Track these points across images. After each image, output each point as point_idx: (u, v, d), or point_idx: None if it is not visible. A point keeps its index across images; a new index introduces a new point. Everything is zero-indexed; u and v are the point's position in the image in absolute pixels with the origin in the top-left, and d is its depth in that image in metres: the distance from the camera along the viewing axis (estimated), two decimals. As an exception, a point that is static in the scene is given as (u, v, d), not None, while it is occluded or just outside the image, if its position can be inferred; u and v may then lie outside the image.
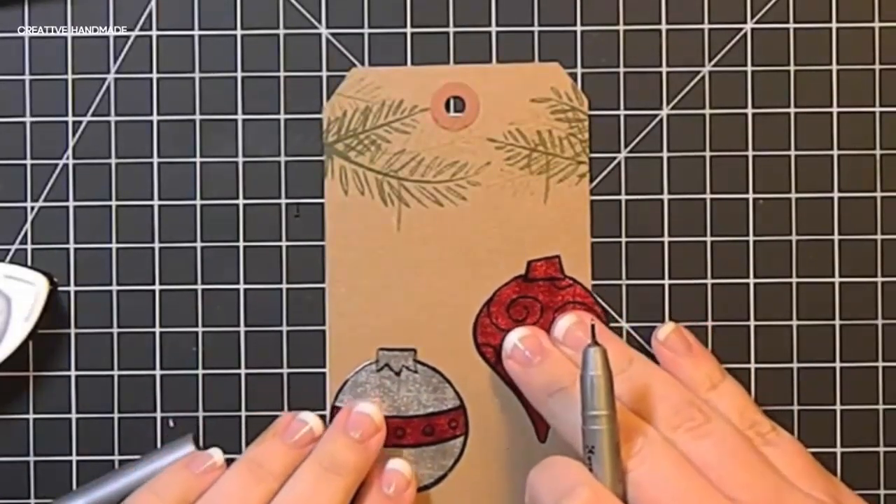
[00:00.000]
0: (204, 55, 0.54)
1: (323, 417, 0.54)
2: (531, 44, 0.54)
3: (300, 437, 0.52)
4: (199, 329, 0.55)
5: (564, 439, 0.49)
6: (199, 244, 0.55)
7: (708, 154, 0.55)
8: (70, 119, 0.54)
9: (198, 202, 0.54)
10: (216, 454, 0.52)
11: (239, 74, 0.54)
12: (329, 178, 0.54)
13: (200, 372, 0.55)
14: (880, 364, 0.55)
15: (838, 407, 0.55)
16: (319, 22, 0.55)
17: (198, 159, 0.54)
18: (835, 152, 0.55)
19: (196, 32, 0.54)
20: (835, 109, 0.55)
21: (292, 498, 0.49)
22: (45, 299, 0.52)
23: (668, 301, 0.54)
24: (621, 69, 0.55)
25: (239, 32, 0.54)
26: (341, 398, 0.54)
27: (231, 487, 0.50)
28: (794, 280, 0.55)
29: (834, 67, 0.55)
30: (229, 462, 0.52)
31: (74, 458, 0.54)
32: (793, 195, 0.55)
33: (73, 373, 0.54)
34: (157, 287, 0.54)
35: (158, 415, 0.54)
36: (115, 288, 0.54)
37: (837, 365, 0.55)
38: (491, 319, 0.54)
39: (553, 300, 0.54)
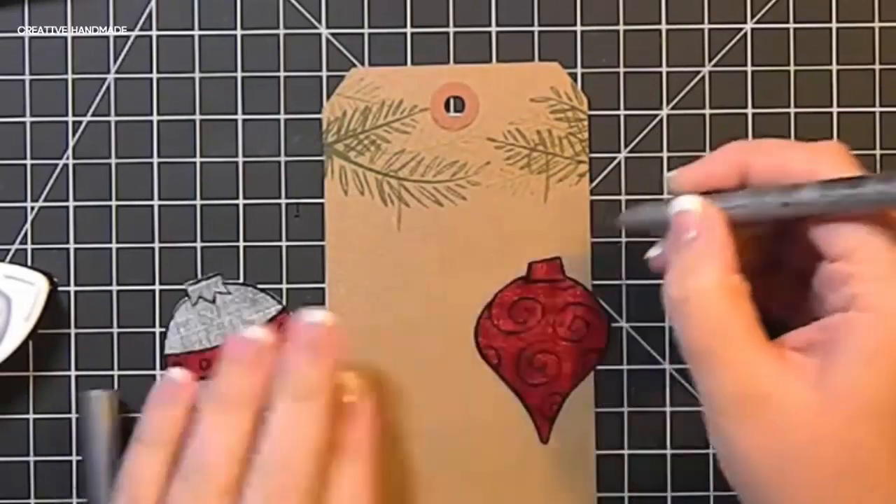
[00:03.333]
0: (204, 55, 0.54)
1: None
2: (531, 44, 0.55)
3: (252, 354, 0.48)
4: (199, 329, 0.55)
5: None
6: (199, 244, 0.55)
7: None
8: (70, 119, 0.54)
9: (198, 202, 0.54)
10: (174, 373, 0.49)
11: (239, 74, 0.54)
12: (329, 178, 0.54)
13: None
14: (880, 364, 0.55)
15: (838, 407, 0.55)
16: (319, 22, 0.55)
17: (198, 159, 0.55)
18: (835, 152, 0.55)
19: (196, 32, 0.54)
20: (835, 109, 0.55)
21: (275, 441, 0.47)
22: (45, 299, 0.52)
23: (668, 301, 0.54)
24: (621, 69, 0.55)
25: (239, 32, 0.54)
26: (169, 342, 0.54)
27: (212, 439, 0.47)
28: (795, 280, 0.55)
29: (834, 67, 0.55)
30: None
31: (74, 458, 0.54)
32: (793, 195, 0.55)
33: (73, 373, 0.54)
34: (156, 287, 0.54)
35: (158, 415, 0.54)
36: (115, 288, 0.54)
37: (837, 365, 0.55)
38: (492, 322, 0.54)
39: (554, 301, 0.54)
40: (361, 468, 0.48)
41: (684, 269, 0.45)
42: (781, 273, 0.47)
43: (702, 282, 0.44)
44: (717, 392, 0.44)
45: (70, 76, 0.54)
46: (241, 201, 0.55)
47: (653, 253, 0.48)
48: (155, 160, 0.54)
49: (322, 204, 0.54)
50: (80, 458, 0.54)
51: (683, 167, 0.47)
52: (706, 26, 0.55)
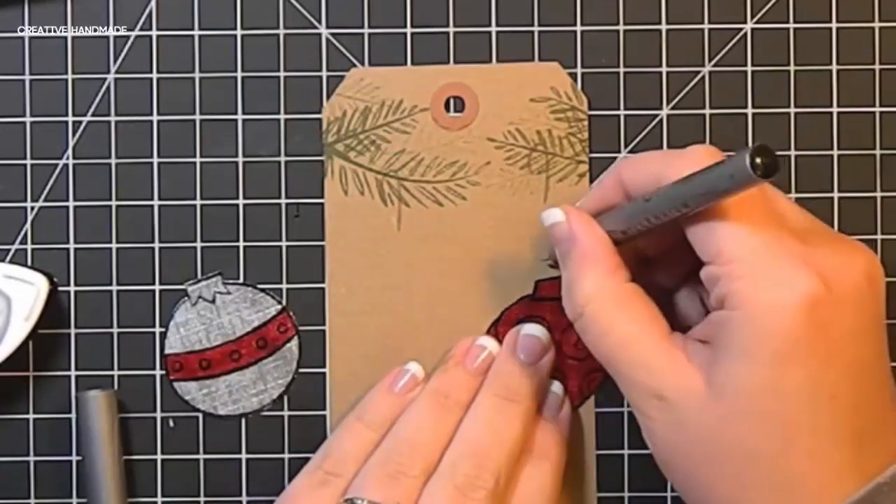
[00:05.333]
0: (204, 55, 0.54)
1: (323, 418, 0.54)
2: (531, 44, 0.55)
3: (481, 363, 0.52)
4: (199, 329, 0.55)
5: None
6: (199, 244, 0.55)
7: (708, 154, 0.54)
8: (70, 119, 0.54)
9: (198, 202, 0.54)
10: (413, 367, 0.53)
11: (239, 74, 0.54)
12: (329, 178, 0.54)
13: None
14: (880, 364, 0.55)
15: (838, 407, 0.55)
16: (319, 22, 0.55)
17: (198, 159, 0.55)
18: (835, 152, 0.55)
19: (196, 32, 0.54)
20: (835, 109, 0.55)
21: (473, 432, 0.50)
22: (45, 299, 0.52)
23: (668, 301, 0.54)
24: (621, 69, 0.55)
25: (239, 32, 0.54)
26: (169, 342, 0.54)
27: (422, 421, 0.50)
28: (795, 280, 0.55)
29: (834, 67, 0.55)
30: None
31: (74, 458, 0.54)
32: (793, 195, 0.54)
33: (73, 373, 0.54)
34: (156, 287, 0.54)
35: (158, 415, 0.54)
36: (115, 288, 0.54)
37: (838, 365, 0.55)
38: (499, 339, 0.53)
39: (560, 320, 0.53)
40: (548, 471, 0.51)
41: (569, 283, 0.47)
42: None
43: (586, 293, 0.46)
44: (626, 394, 0.46)
45: (70, 76, 0.54)
46: (241, 201, 0.55)
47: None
48: (155, 160, 0.54)
49: (322, 204, 0.54)
50: (80, 458, 0.54)
51: (583, 198, 0.50)
52: (706, 26, 0.55)
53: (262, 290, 0.54)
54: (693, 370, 0.44)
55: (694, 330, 0.46)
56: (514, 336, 0.53)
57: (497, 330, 0.54)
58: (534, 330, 0.53)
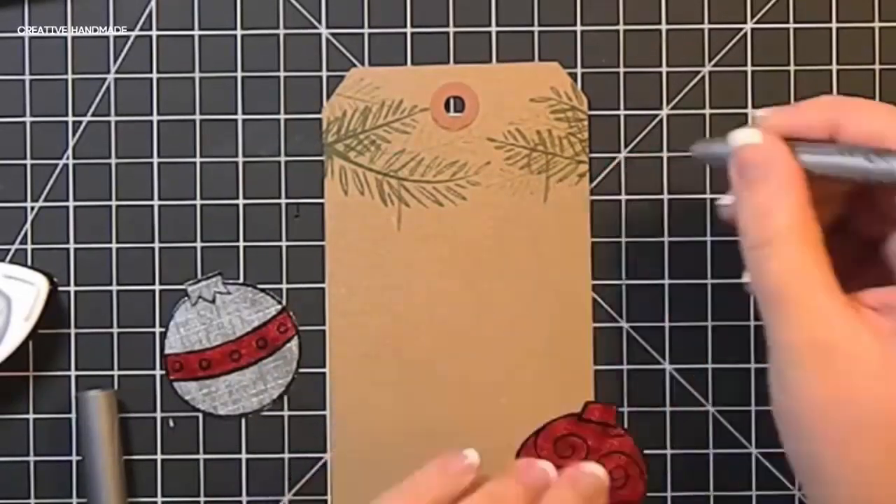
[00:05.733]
0: (204, 55, 0.54)
1: (323, 418, 0.54)
2: (531, 44, 0.55)
3: (536, 481, 0.48)
4: (199, 329, 0.55)
5: None
6: (199, 244, 0.55)
7: (708, 154, 0.54)
8: (70, 119, 0.54)
9: (198, 202, 0.55)
10: (471, 455, 0.49)
11: (239, 74, 0.54)
12: (329, 178, 0.54)
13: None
14: (880, 364, 0.55)
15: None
16: (319, 22, 0.55)
17: (198, 159, 0.55)
18: (835, 152, 0.55)
19: (196, 32, 0.54)
20: (835, 109, 0.55)
21: None
22: (45, 299, 0.52)
23: (667, 301, 0.54)
24: (621, 69, 0.55)
25: (239, 32, 0.54)
26: (169, 342, 0.54)
27: None
28: (795, 280, 0.55)
29: (834, 67, 0.55)
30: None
31: (74, 458, 0.54)
32: (793, 195, 0.54)
33: (73, 373, 0.54)
34: (156, 287, 0.54)
35: (158, 415, 0.54)
36: (115, 288, 0.54)
37: (838, 365, 0.55)
38: (536, 450, 0.53)
39: (601, 446, 0.53)
40: None
41: (760, 209, 0.44)
42: (843, 235, 0.46)
43: (780, 224, 0.43)
44: (788, 339, 0.43)
45: (70, 76, 0.54)
46: (241, 201, 0.55)
47: (725, 201, 0.46)
48: (155, 160, 0.55)
49: (322, 204, 0.54)
50: (80, 458, 0.54)
51: (776, 109, 0.46)
52: (706, 26, 0.55)
53: (262, 290, 0.54)
54: (871, 335, 0.42)
55: (866, 294, 0.44)
56: (575, 473, 0.49)
57: (537, 441, 0.54)
58: (595, 470, 0.49)
